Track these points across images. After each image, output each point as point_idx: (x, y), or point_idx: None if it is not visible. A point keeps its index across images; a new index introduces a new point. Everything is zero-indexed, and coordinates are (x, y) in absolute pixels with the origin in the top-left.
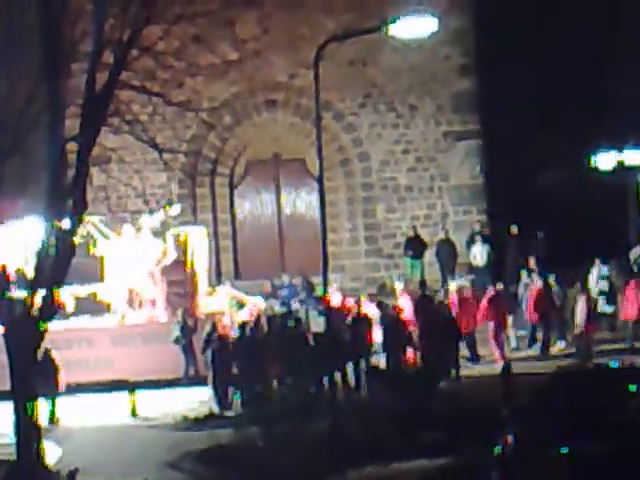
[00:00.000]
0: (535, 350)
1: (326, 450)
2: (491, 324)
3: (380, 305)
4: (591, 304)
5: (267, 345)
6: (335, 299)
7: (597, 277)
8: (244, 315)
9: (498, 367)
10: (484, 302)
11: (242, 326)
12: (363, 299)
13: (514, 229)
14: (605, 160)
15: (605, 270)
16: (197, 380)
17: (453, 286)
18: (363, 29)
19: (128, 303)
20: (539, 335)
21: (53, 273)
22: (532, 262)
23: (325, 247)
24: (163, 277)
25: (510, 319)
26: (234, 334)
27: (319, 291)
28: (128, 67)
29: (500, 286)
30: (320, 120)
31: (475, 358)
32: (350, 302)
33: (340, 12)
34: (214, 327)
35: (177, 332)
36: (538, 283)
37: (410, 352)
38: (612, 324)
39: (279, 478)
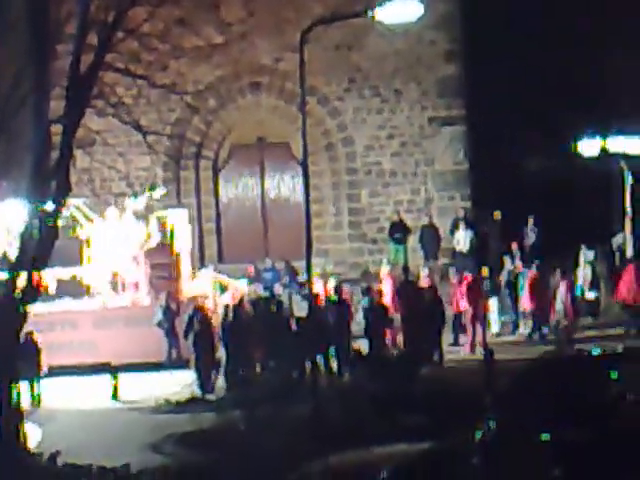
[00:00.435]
0: (518, 336)
1: (308, 434)
2: (470, 310)
3: (364, 290)
4: (573, 290)
5: (250, 329)
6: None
7: (583, 263)
8: (227, 299)
9: (480, 352)
10: (462, 288)
11: (225, 310)
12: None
13: (497, 215)
14: (589, 146)
15: (590, 256)
16: (179, 363)
17: (425, 271)
18: (349, 13)
19: (111, 286)
20: (523, 322)
21: (36, 255)
22: (514, 248)
23: (309, 231)
24: (146, 260)
25: (495, 305)
26: (217, 317)
27: (302, 275)
28: (113, 49)
29: (478, 272)
30: (305, 104)
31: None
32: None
33: None
34: (196, 310)
35: (160, 315)
36: (533, 270)
37: (392, 336)
38: (594, 310)
39: (261, 462)
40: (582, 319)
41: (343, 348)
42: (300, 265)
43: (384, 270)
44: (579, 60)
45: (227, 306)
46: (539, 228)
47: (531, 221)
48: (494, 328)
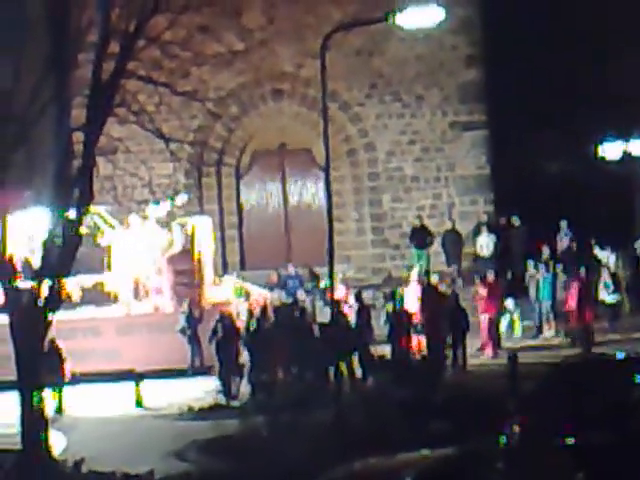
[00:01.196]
0: (542, 340)
1: (331, 440)
2: (487, 315)
3: (387, 295)
4: (586, 291)
5: (273, 335)
6: (339, 292)
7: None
8: (250, 305)
9: (504, 357)
10: (482, 293)
11: (249, 316)
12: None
13: (515, 220)
14: (611, 150)
15: (612, 259)
16: (202, 370)
17: (414, 274)
18: (369, 19)
19: (134, 293)
20: (547, 325)
21: (59, 263)
22: (545, 251)
23: (331, 237)
24: (169, 267)
25: (517, 309)
26: (241, 324)
27: (324, 282)
28: (134, 57)
29: (492, 276)
30: (326, 110)
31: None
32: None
33: (346, 1)
34: (221, 317)
35: (183, 322)
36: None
37: (416, 342)
38: (616, 313)
39: (284, 468)
40: (604, 322)
41: (366, 354)
42: (322, 271)
43: (414, 276)
44: (601, 63)
45: (250, 313)
46: (572, 232)
47: (564, 225)
48: (517, 332)
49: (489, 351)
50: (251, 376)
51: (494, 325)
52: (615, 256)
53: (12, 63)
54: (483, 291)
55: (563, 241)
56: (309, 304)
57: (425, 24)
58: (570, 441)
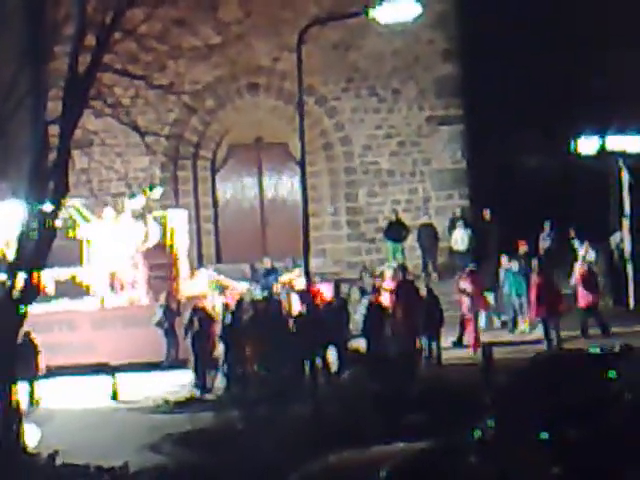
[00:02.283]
0: (518, 334)
1: (307, 434)
2: (473, 310)
3: (363, 289)
4: (546, 285)
5: (248, 329)
6: (299, 284)
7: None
8: (225, 299)
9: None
10: (467, 288)
11: (224, 309)
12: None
13: (486, 213)
14: (587, 145)
15: (590, 255)
16: (178, 364)
17: (389, 272)
18: (346, 13)
19: (109, 286)
20: (521, 319)
21: (34, 256)
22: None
23: (307, 231)
24: (144, 260)
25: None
26: (216, 318)
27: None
28: (110, 50)
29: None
30: (303, 104)
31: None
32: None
33: None
34: (196, 310)
35: (160, 315)
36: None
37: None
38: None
39: (259, 461)
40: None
41: (341, 347)
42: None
43: (388, 273)
44: (577, 58)
45: (226, 306)
46: (557, 233)
47: (547, 226)
48: (491, 325)
49: (474, 345)
50: (226, 369)
51: (477, 320)
52: (594, 251)
53: None
54: (468, 286)
55: (545, 241)
56: (284, 298)
57: (402, 18)
58: (545, 435)
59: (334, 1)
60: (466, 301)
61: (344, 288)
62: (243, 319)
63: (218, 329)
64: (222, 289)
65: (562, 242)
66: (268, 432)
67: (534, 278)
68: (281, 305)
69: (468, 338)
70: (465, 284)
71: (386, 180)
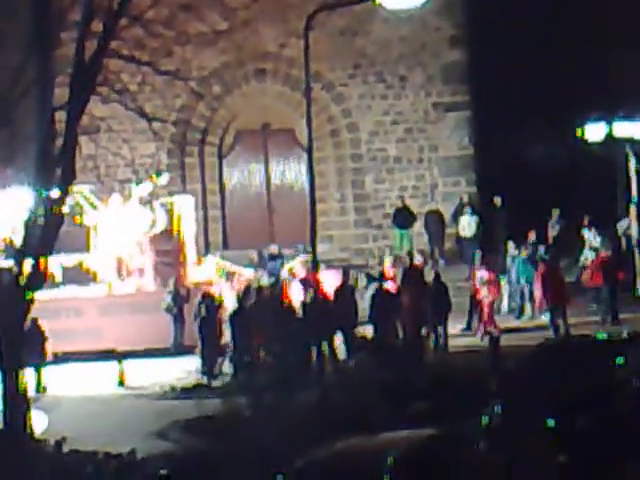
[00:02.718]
0: (524, 321)
1: (313, 420)
2: (490, 297)
3: (369, 275)
4: (552, 274)
5: (256, 315)
6: (299, 272)
7: (587, 248)
8: (232, 285)
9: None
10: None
11: (231, 296)
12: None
13: (497, 200)
14: (594, 132)
15: (595, 241)
16: (185, 350)
17: (388, 259)
18: None
19: (116, 272)
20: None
21: (41, 242)
22: (531, 237)
23: (314, 217)
24: (151, 246)
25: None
26: (223, 304)
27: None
28: (117, 36)
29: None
30: (309, 90)
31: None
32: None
33: None
34: (204, 297)
35: (169, 301)
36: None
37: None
38: (598, 296)
39: (266, 448)
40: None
41: (348, 334)
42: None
43: (387, 262)
44: (584, 44)
45: (233, 292)
46: (565, 220)
47: (556, 214)
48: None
49: (494, 330)
50: (233, 356)
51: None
52: (601, 237)
53: None
54: (485, 274)
55: (554, 229)
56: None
57: (409, 5)
58: (552, 423)
59: None
60: (483, 290)
61: (351, 274)
62: (249, 305)
63: (225, 315)
64: (229, 275)
65: (570, 230)
66: (275, 419)
67: (540, 267)
68: (287, 291)
69: (485, 324)
70: (481, 272)
71: (393, 167)
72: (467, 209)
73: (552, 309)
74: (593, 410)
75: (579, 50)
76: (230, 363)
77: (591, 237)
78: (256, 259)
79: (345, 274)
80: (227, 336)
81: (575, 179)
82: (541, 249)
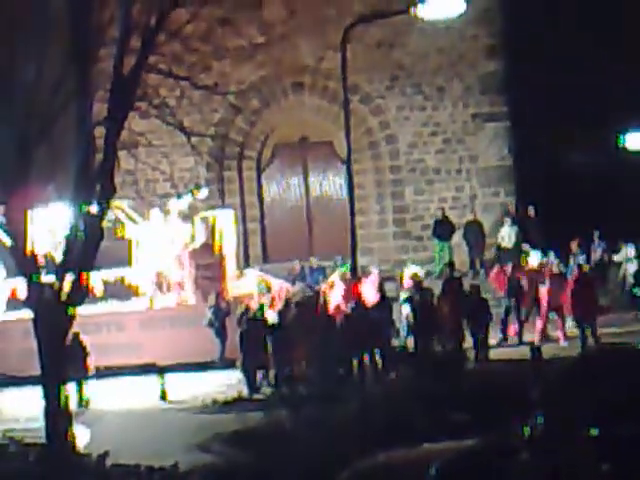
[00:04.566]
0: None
1: (355, 432)
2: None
3: (416, 286)
4: (582, 288)
5: (296, 328)
6: (338, 289)
7: (626, 259)
8: (272, 298)
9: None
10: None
11: (272, 309)
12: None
13: (531, 210)
14: (634, 140)
15: (632, 252)
16: (227, 363)
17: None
18: (390, 10)
19: (156, 287)
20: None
21: (82, 258)
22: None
23: (354, 230)
24: (191, 261)
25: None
26: (264, 317)
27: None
28: (155, 51)
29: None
30: (348, 103)
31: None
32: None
33: None
34: (247, 310)
35: (210, 315)
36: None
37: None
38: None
39: (308, 461)
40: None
41: (387, 345)
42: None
43: (407, 272)
44: (622, 52)
45: (273, 305)
46: (605, 242)
47: (596, 236)
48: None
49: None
50: (274, 369)
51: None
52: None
53: (34, 58)
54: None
55: (597, 252)
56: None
57: (446, 15)
58: (595, 432)
59: None
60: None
61: (391, 286)
62: (290, 318)
63: (265, 329)
64: (269, 288)
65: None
66: (317, 431)
67: (572, 275)
68: (327, 304)
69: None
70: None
71: (432, 178)
72: (507, 219)
73: (579, 320)
74: (636, 418)
75: (618, 58)
76: (272, 376)
77: (628, 251)
78: (297, 271)
79: (382, 286)
80: (269, 349)
81: (615, 189)
82: (573, 261)
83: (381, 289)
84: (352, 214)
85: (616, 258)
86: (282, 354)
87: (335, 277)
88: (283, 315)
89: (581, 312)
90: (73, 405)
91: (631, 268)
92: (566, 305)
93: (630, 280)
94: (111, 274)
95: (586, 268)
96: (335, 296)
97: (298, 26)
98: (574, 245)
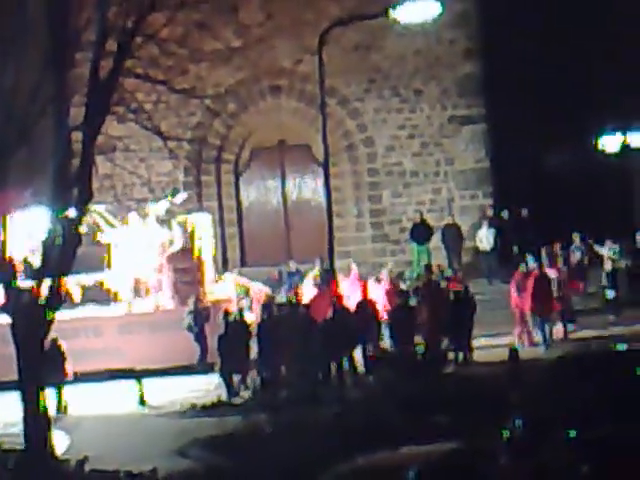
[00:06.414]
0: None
1: (334, 436)
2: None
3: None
4: (540, 286)
5: (275, 332)
6: (308, 293)
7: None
8: (251, 302)
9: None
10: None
11: (250, 314)
12: (370, 282)
13: (524, 212)
14: (611, 142)
15: (609, 252)
16: (206, 367)
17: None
18: (367, 14)
19: (134, 291)
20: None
21: (59, 262)
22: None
23: (331, 233)
24: (169, 265)
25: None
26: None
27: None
28: (132, 55)
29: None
30: (325, 106)
31: None
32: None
33: None
34: (225, 314)
35: (189, 320)
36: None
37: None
38: (615, 308)
39: (287, 465)
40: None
41: (367, 348)
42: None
43: (384, 274)
44: (599, 55)
45: (251, 309)
46: (585, 245)
47: (577, 237)
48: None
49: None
50: (258, 372)
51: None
52: (618, 248)
53: (11, 63)
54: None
55: (575, 254)
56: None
57: (422, 18)
58: (573, 434)
59: (355, 2)
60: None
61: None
62: (269, 322)
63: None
64: (247, 292)
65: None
66: (295, 435)
67: (533, 273)
68: (307, 308)
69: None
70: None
71: (409, 181)
72: (485, 222)
73: (539, 317)
74: (614, 420)
75: (595, 60)
76: (251, 380)
77: (605, 250)
78: (277, 276)
79: (363, 289)
80: (247, 353)
81: (592, 190)
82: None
83: (363, 292)
84: (329, 217)
85: (600, 251)
86: (261, 358)
87: (310, 280)
88: (262, 319)
89: (540, 309)
90: (52, 411)
91: (607, 266)
92: (527, 303)
93: (604, 281)
94: (89, 279)
95: (544, 267)
96: (312, 299)
97: (275, 29)
98: (557, 246)
